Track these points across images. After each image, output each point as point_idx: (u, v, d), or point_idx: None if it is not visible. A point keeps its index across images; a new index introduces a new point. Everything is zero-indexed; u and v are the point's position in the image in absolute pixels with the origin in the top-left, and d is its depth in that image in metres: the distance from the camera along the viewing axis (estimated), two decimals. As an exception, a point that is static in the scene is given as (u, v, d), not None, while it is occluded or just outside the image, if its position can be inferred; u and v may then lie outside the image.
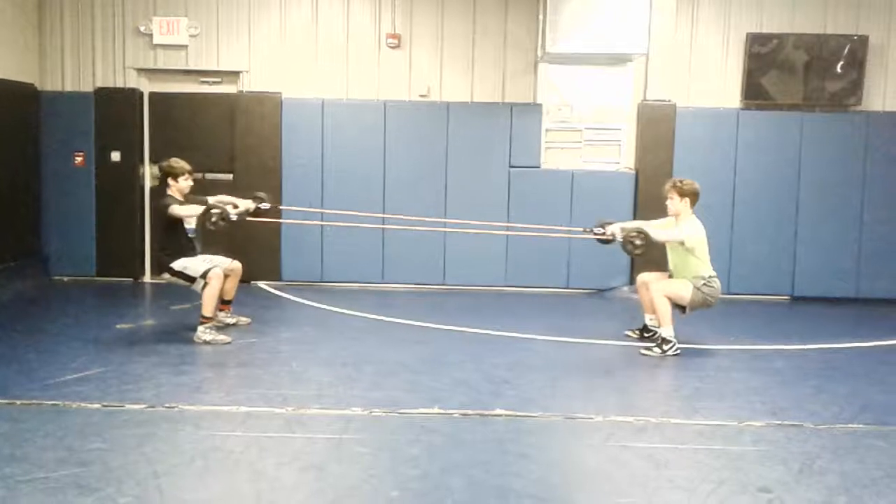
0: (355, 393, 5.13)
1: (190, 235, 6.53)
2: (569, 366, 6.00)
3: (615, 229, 6.53)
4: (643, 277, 6.71)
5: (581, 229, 7.05)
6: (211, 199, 6.67)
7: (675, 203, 6.39)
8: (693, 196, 6.36)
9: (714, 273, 6.33)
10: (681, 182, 6.42)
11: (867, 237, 8.80)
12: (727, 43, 8.82)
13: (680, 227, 6.27)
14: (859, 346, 6.78)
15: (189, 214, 6.37)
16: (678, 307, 6.31)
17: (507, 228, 8.37)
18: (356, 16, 8.89)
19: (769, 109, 8.82)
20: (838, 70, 8.68)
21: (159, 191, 6.90)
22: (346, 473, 3.86)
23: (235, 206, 6.62)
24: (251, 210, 6.88)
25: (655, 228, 6.31)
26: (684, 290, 6.24)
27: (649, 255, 6.33)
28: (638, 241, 6.03)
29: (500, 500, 3.59)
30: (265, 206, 7.06)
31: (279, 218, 7.33)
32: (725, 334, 6.98)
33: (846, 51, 8.65)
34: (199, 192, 6.94)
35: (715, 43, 8.84)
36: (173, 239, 6.43)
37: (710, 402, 5.13)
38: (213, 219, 6.14)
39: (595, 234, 6.72)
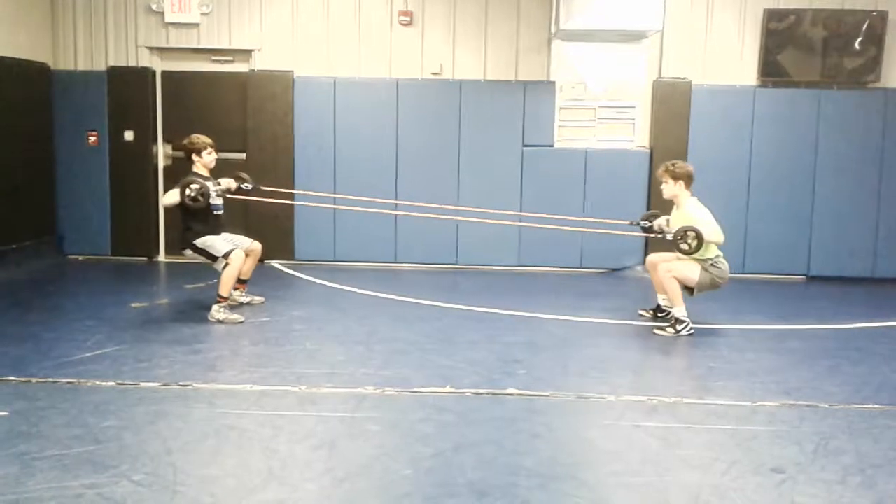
0: (368, 371, 5.14)
1: (216, 213, 6.53)
2: (581, 345, 5.99)
3: (662, 222, 6.51)
4: (652, 258, 6.68)
5: (627, 222, 7.01)
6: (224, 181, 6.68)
7: (669, 187, 6.32)
8: (687, 178, 6.28)
9: (720, 253, 6.27)
10: (673, 165, 6.34)
11: (884, 216, 8.70)
12: (744, 19, 8.69)
13: (708, 225, 6.07)
14: (875, 327, 6.72)
15: (171, 202, 6.31)
16: (686, 288, 6.25)
17: (520, 213, 8.34)
18: (368, -7, 8.84)
19: (786, 87, 8.70)
20: (857, 46, 8.54)
21: (180, 169, 6.88)
22: (358, 451, 3.88)
23: (218, 184, 6.60)
24: (232, 189, 6.83)
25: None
26: (691, 272, 6.18)
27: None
28: (690, 240, 5.95)
29: (511, 479, 3.59)
30: (247, 186, 7.00)
31: (263, 197, 7.23)
32: (739, 314, 6.94)
33: (865, 27, 8.50)
34: (212, 171, 6.94)
35: (731, 19, 8.71)
36: (197, 216, 6.43)
37: (723, 382, 5.10)
38: (193, 194, 6.12)
39: (642, 227, 6.70)
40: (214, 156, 6.65)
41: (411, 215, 7.92)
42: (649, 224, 6.68)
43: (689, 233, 5.94)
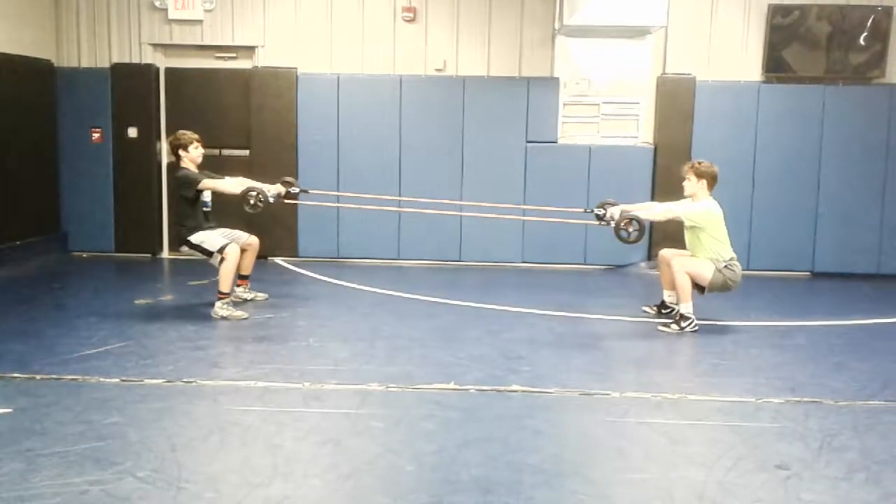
0: (371, 368, 5.13)
1: (206, 209, 6.54)
2: (585, 342, 5.97)
3: (615, 212, 6.23)
4: (665, 254, 6.64)
5: (581, 210, 6.93)
6: (230, 179, 6.67)
7: (691, 184, 6.30)
8: (710, 178, 6.26)
9: (734, 255, 6.26)
10: (699, 163, 6.32)
11: (889, 212, 8.68)
12: (748, 14, 8.66)
13: (682, 205, 6.16)
14: (881, 323, 6.70)
15: (225, 190, 6.40)
16: (697, 287, 6.23)
17: (524, 207, 8.32)
18: (371, -11, 8.81)
19: (791, 82, 8.67)
20: (861, 42, 8.51)
21: (173, 165, 6.93)
22: (362, 448, 3.87)
23: (269, 190, 6.63)
24: (282, 194, 6.87)
25: (647, 208, 6.29)
26: (706, 270, 6.16)
27: (668, 230, 6.25)
28: (631, 229, 5.94)
29: (516, 475, 3.58)
30: (295, 190, 7.01)
31: (305, 200, 7.29)
32: (744, 310, 6.92)
33: (870, 22, 8.47)
34: (215, 168, 6.95)
35: (736, 14, 8.68)
36: (191, 212, 6.45)
37: (728, 379, 5.09)
38: (252, 200, 6.23)
39: (596, 216, 6.55)
40: (201, 150, 6.63)
41: (415, 212, 7.90)
42: (603, 212, 6.47)
43: (630, 221, 5.95)
